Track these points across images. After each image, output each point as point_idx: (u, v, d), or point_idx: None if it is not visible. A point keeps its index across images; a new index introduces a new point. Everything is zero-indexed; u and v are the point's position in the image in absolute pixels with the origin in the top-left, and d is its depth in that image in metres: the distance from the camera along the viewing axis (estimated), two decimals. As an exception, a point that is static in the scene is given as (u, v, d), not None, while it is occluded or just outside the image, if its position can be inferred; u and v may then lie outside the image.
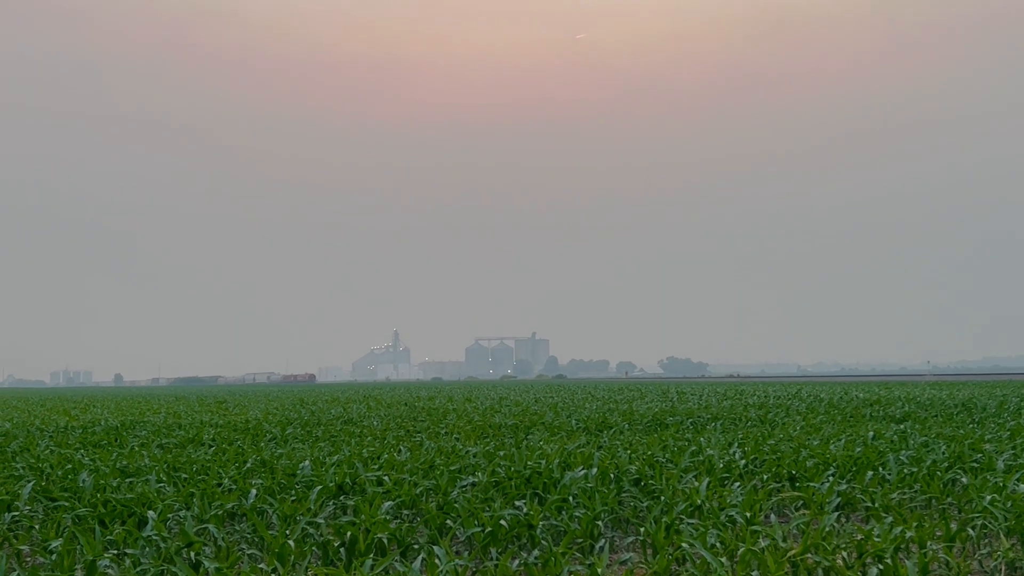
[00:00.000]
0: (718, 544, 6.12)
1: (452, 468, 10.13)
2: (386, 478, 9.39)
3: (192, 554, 6.30)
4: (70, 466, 11.13)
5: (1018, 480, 8.34)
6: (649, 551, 6.46)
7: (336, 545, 6.38)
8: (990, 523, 6.71)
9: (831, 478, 8.96)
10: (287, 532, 6.66)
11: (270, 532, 6.85)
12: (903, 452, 10.77)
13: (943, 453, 10.73)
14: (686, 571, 5.79)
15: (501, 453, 11.69)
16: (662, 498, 7.96)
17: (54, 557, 6.11)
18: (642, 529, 6.66)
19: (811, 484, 8.65)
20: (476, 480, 9.21)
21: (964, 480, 8.70)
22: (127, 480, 9.57)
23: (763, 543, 6.06)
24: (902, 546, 6.08)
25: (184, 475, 10.09)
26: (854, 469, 9.59)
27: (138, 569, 5.90)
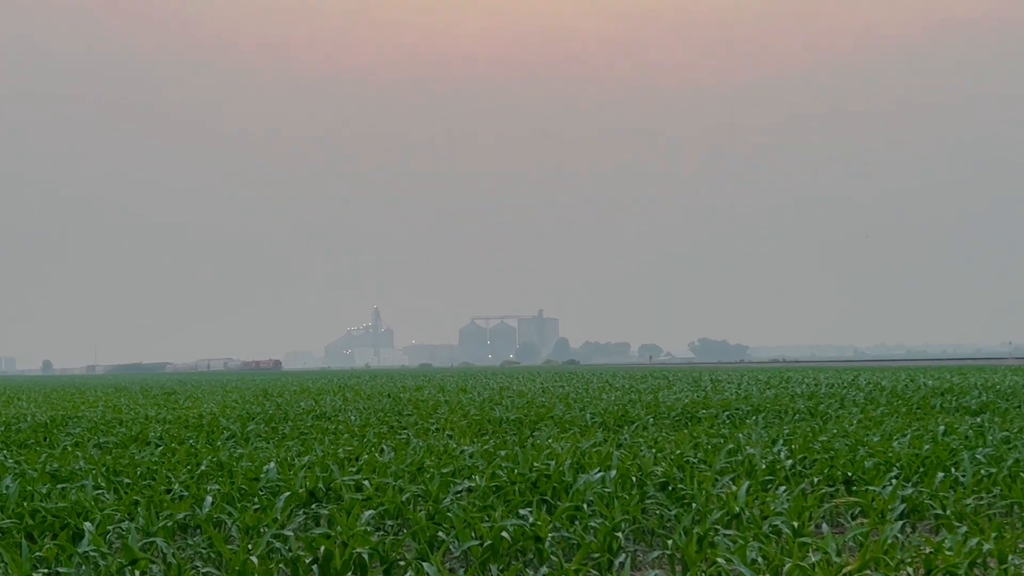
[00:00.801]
0: (760, 559, 6.14)
1: (444, 471, 10.19)
2: (366, 483, 9.44)
3: (137, 573, 6.34)
4: (-9, 470, 11.20)
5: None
6: (678, 567, 6.50)
7: (308, 562, 6.42)
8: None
9: (894, 481, 8.99)
10: (249, 547, 6.69)
11: (229, 547, 6.89)
12: (980, 450, 10.81)
13: (1027, 451, 10.77)
14: (722, 591, 5.83)
15: (502, 453, 11.75)
16: (693, 505, 8.00)
17: (-26, 577, 6.15)
18: (670, 542, 6.70)
19: (870, 488, 8.69)
20: (473, 485, 9.26)
21: (1052, 483, 8.74)
22: (59, 486, 9.62)
23: (813, 558, 6.08)
24: (978, 561, 6.11)
25: (127, 480, 10.14)
26: (921, 470, 9.64)
27: (74, 591, 5.95)
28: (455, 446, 13.22)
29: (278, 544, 6.78)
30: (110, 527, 7.65)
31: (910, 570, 5.87)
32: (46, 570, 6.45)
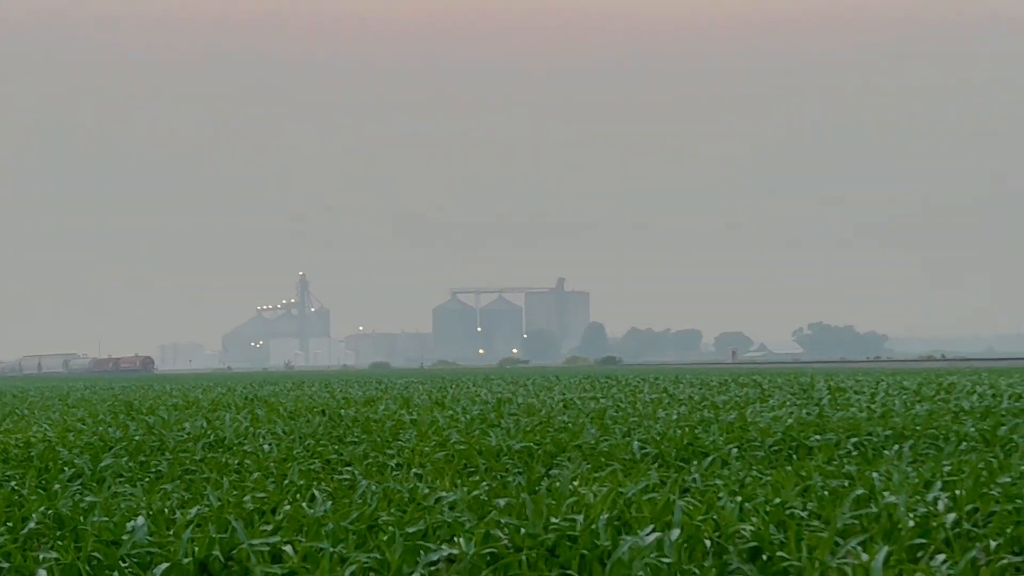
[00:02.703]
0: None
1: (411, 530, 10.19)
2: (287, 548, 9.44)
3: None
4: None
5: None
6: None
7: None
8: None
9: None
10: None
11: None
12: None
13: None
14: None
15: (501, 503, 11.74)
16: (801, 584, 7.99)
17: None
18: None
19: (1079, 558, 8.66)
20: (456, 552, 9.26)
21: None
22: None
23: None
24: None
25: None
26: None
27: None
28: (427, 491, 13.21)
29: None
30: None
31: None
32: None
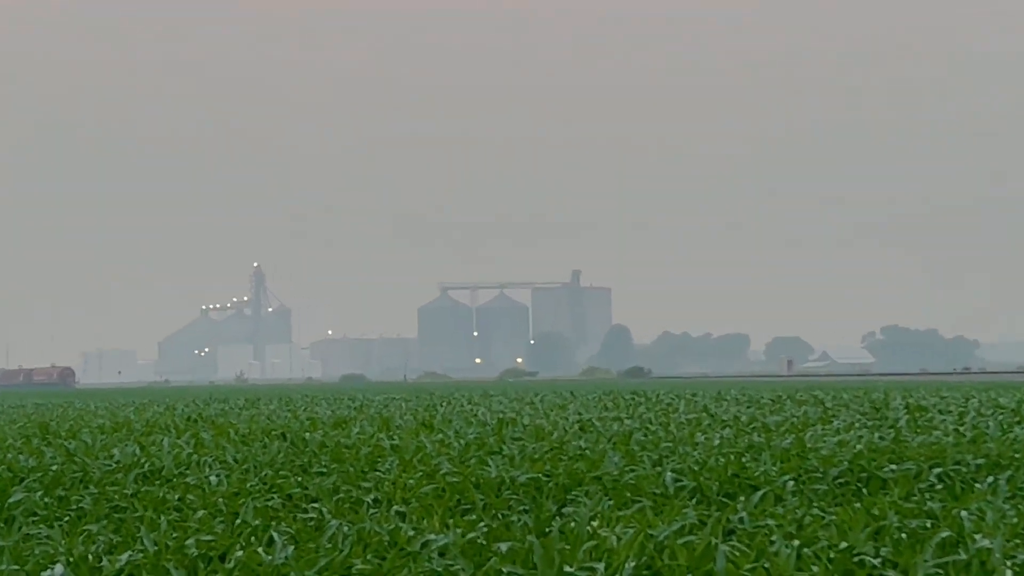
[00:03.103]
0: None
1: (392, 581, 10.19)
2: (241, 604, 9.44)
3: None
4: None
5: None
6: None
7: None
8: None
9: None
10: None
11: None
12: None
13: None
14: None
15: (504, 547, 11.75)
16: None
17: None
18: None
19: None
20: (447, 608, 9.26)
21: None
22: None
23: None
24: None
25: None
26: None
27: None
28: (412, 533, 13.23)
29: None
30: None
31: None
32: None
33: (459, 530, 13.29)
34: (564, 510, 15.53)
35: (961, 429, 28.05)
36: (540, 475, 18.90)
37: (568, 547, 11.40)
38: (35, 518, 16.02)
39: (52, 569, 10.47)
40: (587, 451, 23.60)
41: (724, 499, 16.55)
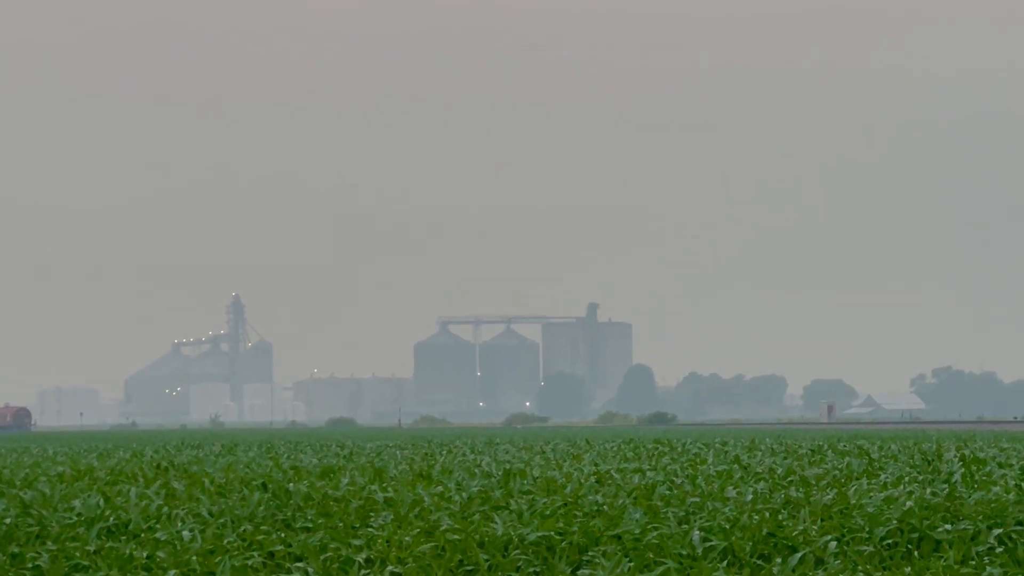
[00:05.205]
0: None
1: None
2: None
3: None
4: None
5: None
6: None
7: None
8: None
9: None
10: None
11: None
12: None
13: None
14: None
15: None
16: None
17: None
18: None
19: None
20: None
21: None
22: None
23: None
24: None
25: None
26: None
27: None
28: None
29: None
30: None
31: None
32: None
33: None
34: (579, 572, 15.46)
35: (1023, 485, 27.95)
36: (552, 533, 18.85)
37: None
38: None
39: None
40: (604, 507, 23.56)
41: (758, 561, 16.48)
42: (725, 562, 16.47)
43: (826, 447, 55.33)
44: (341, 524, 20.99)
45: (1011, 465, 36.22)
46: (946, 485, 27.80)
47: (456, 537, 18.56)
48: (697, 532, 18.55)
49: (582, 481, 31.44)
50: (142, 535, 20.27)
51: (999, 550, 17.15)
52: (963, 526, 19.15)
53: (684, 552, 17.09)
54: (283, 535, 19.63)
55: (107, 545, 18.81)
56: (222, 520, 22.27)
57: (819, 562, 16.27)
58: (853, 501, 23.40)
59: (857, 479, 30.67)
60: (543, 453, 53.95)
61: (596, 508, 23.16)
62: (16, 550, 18.28)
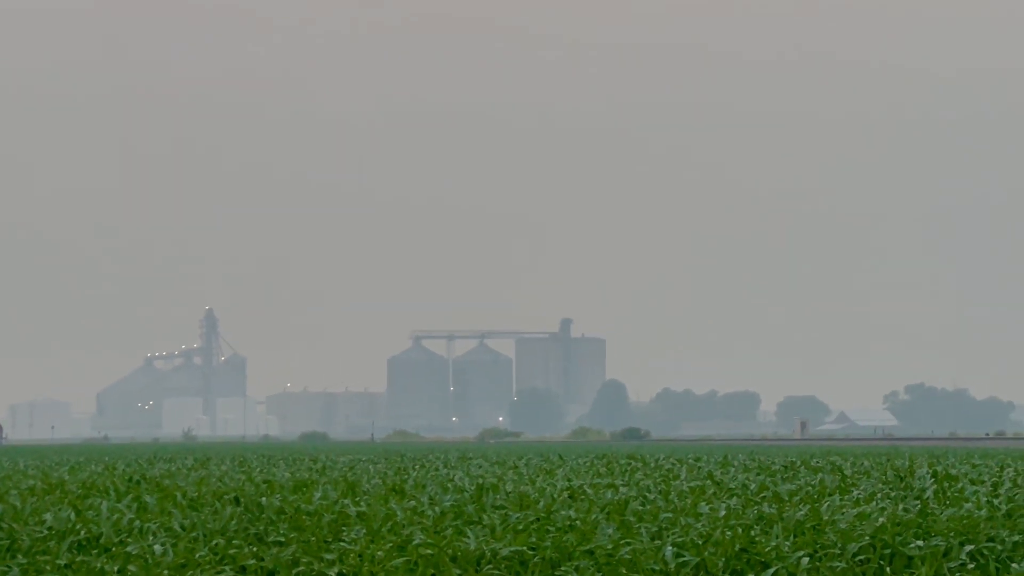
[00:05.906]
0: None
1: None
2: None
3: None
4: None
5: None
6: None
7: None
8: None
9: None
10: None
11: None
12: None
13: None
14: None
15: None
16: None
17: None
18: None
19: None
20: None
21: None
22: None
23: None
24: None
25: None
26: None
27: None
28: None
29: None
30: None
31: None
32: None
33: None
34: (551, 588, 15.50)
35: (995, 501, 28.07)
36: (524, 548, 18.88)
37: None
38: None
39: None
40: (577, 522, 23.59)
41: (731, 577, 16.53)
42: (697, 578, 16.51)
43: (799, 463, 55.43)
44: (313, 538, 20.98)
45: (983, 482, 36.34)
46: (918, 501, 27.93)
47: (429, 552, 18.59)
48: (670, 548, 18.62)
49: (554, 496, 31.50)
50: (113, 549, 20.27)
51: (971, 566, 17.21)
52: (935, 542, 19.23)
53: (657, 567, 17.13)
54: (255, 549, 19.64)
55: (78, 559, 18.81)
56: (194, 534, 22.25)
57: (791, 578, 16.31)
58: (826, 517, 23.47)
59: (830, 495, 30.75)
60: (516, 468, 53.97)
61: (569, 523, 23.20)
62: (-13, 563, 18.25)
